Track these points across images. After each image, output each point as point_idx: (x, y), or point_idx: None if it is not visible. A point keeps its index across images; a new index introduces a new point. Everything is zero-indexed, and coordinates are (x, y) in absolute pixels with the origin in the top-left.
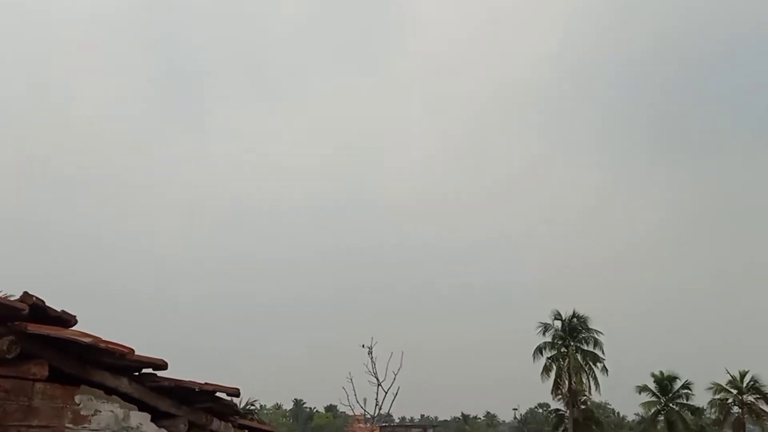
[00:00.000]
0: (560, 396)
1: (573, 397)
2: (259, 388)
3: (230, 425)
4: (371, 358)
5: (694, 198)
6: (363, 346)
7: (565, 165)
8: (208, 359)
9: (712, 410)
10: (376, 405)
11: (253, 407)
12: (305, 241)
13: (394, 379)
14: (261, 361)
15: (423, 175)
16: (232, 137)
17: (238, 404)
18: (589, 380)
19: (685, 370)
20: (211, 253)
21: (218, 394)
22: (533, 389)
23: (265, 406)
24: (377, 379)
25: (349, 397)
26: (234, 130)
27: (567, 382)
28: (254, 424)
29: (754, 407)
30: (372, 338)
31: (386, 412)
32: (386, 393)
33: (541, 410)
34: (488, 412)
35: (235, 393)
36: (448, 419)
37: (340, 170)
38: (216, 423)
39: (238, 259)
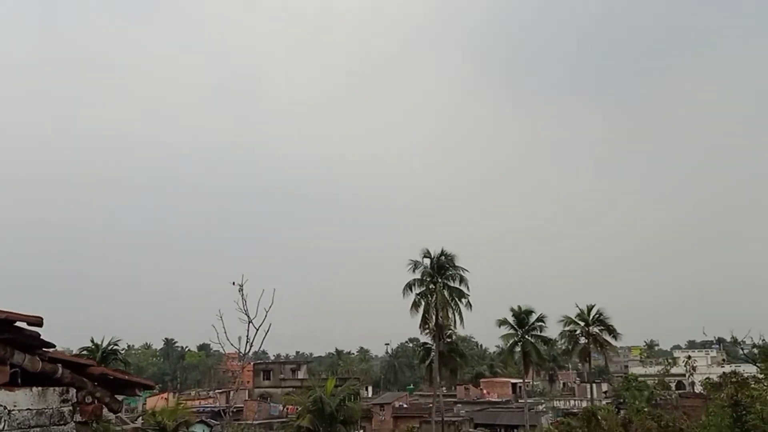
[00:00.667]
0: (428, 330)
1: (439, 331)
2: (128, 328)
3: (37, 358)
4: (242, 295)
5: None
6: (234, 283)
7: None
8: (68, 298)
9: (563, 341)
10: (247, 342)
11: (116, 347)
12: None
13: (266, 316)
14: (128, 301)
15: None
16: None
17: (41, 334)
18: (454, 315)
19: (541, 305)
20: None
21: (18, 324)
22: (404, 325)
23: (133, 345)
24: (248, 317)
25: (219, 336)
26: None
27: (434, 317)
28: (67, 357)
29: (598, 338)
30: (243, 275)
31: (258, 349)
32: (257, 330)
33: (411, 344)
34: (361, 348)
35: (37, 322)
36: (323, 355)
37: (225, 103)
38: (19, 356)
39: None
